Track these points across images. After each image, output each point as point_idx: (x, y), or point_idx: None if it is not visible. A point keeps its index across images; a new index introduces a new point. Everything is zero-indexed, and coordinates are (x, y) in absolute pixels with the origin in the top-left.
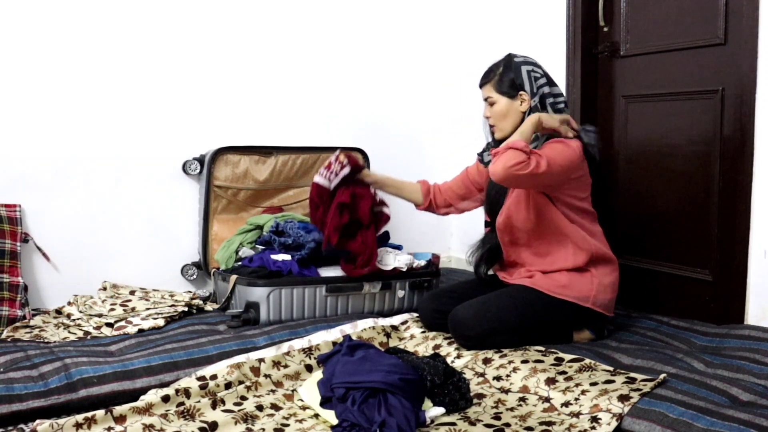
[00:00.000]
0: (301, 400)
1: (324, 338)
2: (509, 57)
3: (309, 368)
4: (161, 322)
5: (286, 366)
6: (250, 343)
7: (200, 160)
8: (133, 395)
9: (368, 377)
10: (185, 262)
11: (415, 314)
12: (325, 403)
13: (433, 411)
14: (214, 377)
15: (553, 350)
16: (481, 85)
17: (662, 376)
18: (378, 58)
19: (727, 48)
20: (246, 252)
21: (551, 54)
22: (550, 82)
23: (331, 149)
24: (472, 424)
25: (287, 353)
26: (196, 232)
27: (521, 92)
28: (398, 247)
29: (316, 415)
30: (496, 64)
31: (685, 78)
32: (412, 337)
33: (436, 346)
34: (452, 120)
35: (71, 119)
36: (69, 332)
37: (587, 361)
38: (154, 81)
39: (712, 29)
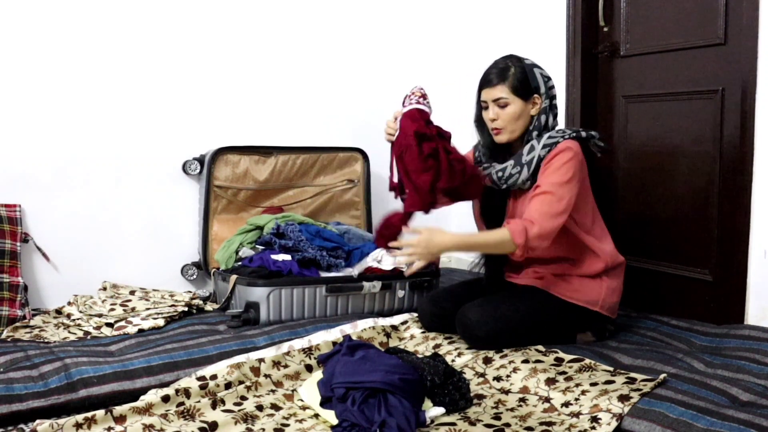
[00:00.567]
0: (301, 400)
1: (324, 338)
2: (518, 59)
3: (309, 368)
4: (161, 322)
5: (286, 366)
6: (250, 343)
7: (200, 160)
8: (133, 395)
9: (368, 377)
10: (185, 262)
11: (415, 314)
12: (325, 403)
13: (433, 411)
14: (214, 377)
15: (553, 350)
16: (493, 86)
17: (662, 376)
18: (378, 58)
19: (727, 48)
20: (246, 252)
21: (551, 54)
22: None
23: (331, 149)
24: (472, 424)
25: (287, 353)
26: (196, 232)
27: (535, 95)
28: (398, 247)
29: (316, 415)
30: (503, 65)
31: (685, 78)
32: (412, 337)
33: (436, 346)
34: (452, 120)
35: (71, 119)
36: (69, 332)
37: (587, 361)
38: (154, 81)
39: (712, 29)
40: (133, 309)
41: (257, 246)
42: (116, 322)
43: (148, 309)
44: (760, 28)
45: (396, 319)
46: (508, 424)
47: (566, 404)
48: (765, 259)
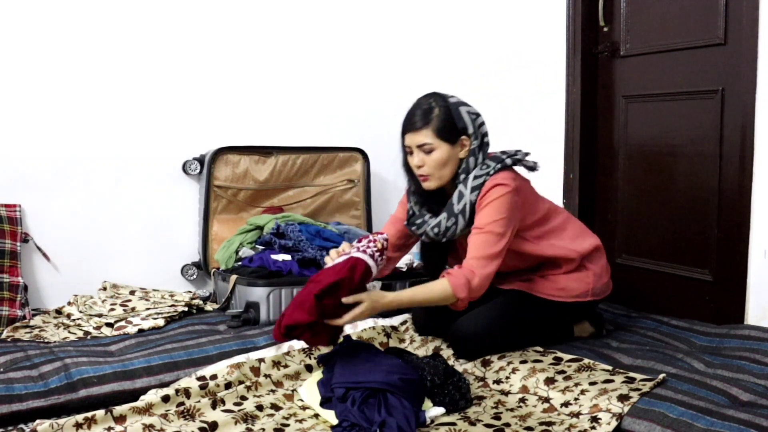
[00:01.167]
0: (301, 400)
1: None
2: (442, 97)
3: (309, 368)
4: (161, 322)
5: (286, 366)
6: (250, 343)
7: (200, 160)
8: (133, 395)
9: (368, 377)
10: (185, 262)
11: None
12: (325, 403)
13: (433, 411)
14: (214, 377)
15: (551, 350)
16: (416, 129)
17: (662, 375)
18: (378, 58)
19: (727, 48)
20: (246, 252)
21: (551, 54)
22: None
23: (331, 149)
24: (472, 424)
25: (287, 353)
26: (196, 232)
27: (463, 137)
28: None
29: (316, 415)
30: (427, 106)
31: (685, 78)
32: (412, 338)
33: (437, 347)
34: None
35: (71, 119)
36: (69, 332)
37: (586, 360)
38: (154, 81)
39: (712, 29)
40: (133, 309)
41: (257, 246)
42: (116, 322)
43: (148, 309)
44: (760, 28)
45: (396, 320)
46: (508, 424)
47: (566, 404)
48: (765, 259)
